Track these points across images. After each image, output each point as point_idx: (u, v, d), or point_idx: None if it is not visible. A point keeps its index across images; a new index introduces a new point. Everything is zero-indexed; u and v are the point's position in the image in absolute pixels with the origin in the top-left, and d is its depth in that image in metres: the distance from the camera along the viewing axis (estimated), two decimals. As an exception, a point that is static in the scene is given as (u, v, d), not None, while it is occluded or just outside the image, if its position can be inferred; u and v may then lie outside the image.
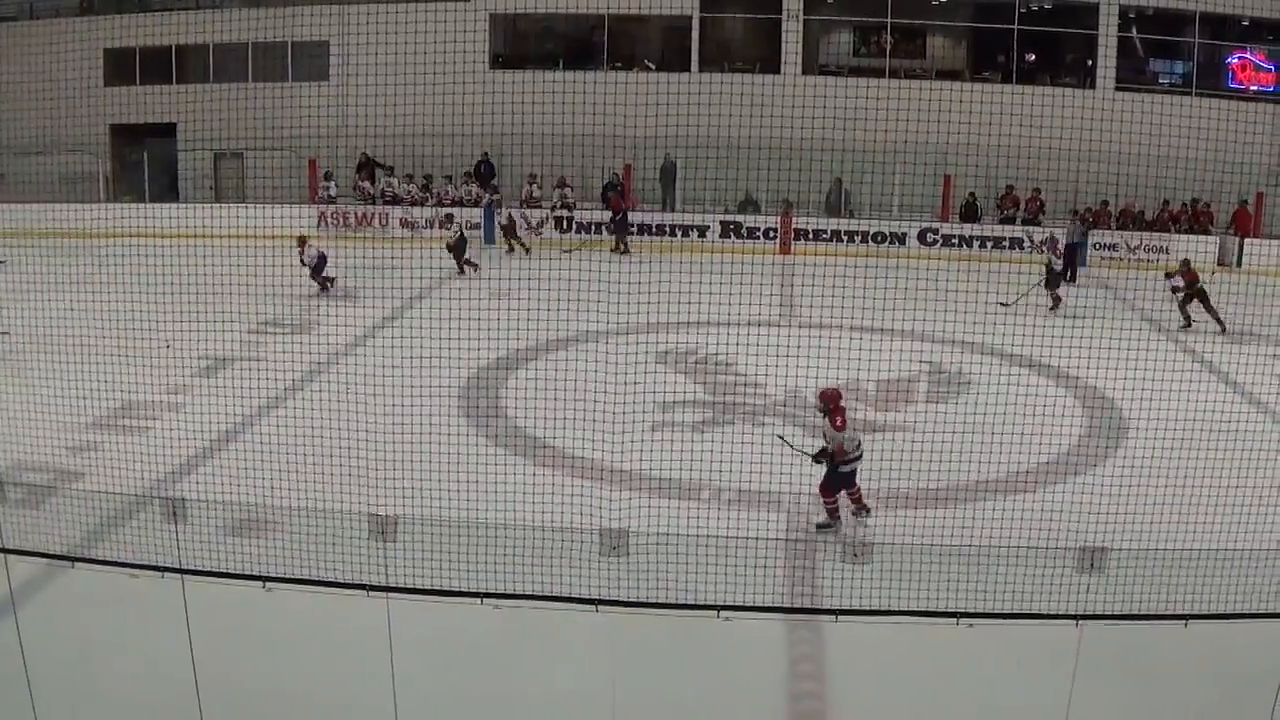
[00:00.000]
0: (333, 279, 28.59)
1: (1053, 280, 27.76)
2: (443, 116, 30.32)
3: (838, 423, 14.66)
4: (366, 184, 37.98)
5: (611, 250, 33.95)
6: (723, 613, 12.18)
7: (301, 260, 28.22)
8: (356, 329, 24.69)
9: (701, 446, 16.48)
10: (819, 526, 14.83)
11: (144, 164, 37.78)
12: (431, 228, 34.37)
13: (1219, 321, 25.84)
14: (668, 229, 35.22)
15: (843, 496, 14.87)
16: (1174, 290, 26.63)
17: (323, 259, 28.42)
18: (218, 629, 11.40)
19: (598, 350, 19.76)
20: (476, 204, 36.24)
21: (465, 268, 30.63)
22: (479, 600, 12.20)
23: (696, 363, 22.27)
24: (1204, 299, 26.08)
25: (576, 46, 39.52)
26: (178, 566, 11.56)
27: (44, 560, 12.20)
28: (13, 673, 10.75)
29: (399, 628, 10.12)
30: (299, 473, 14.19)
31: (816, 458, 14.70)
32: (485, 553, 12.62)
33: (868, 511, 14.95)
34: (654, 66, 38.45)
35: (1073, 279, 30.99)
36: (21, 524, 12.43)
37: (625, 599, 12.30)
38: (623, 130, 30.40)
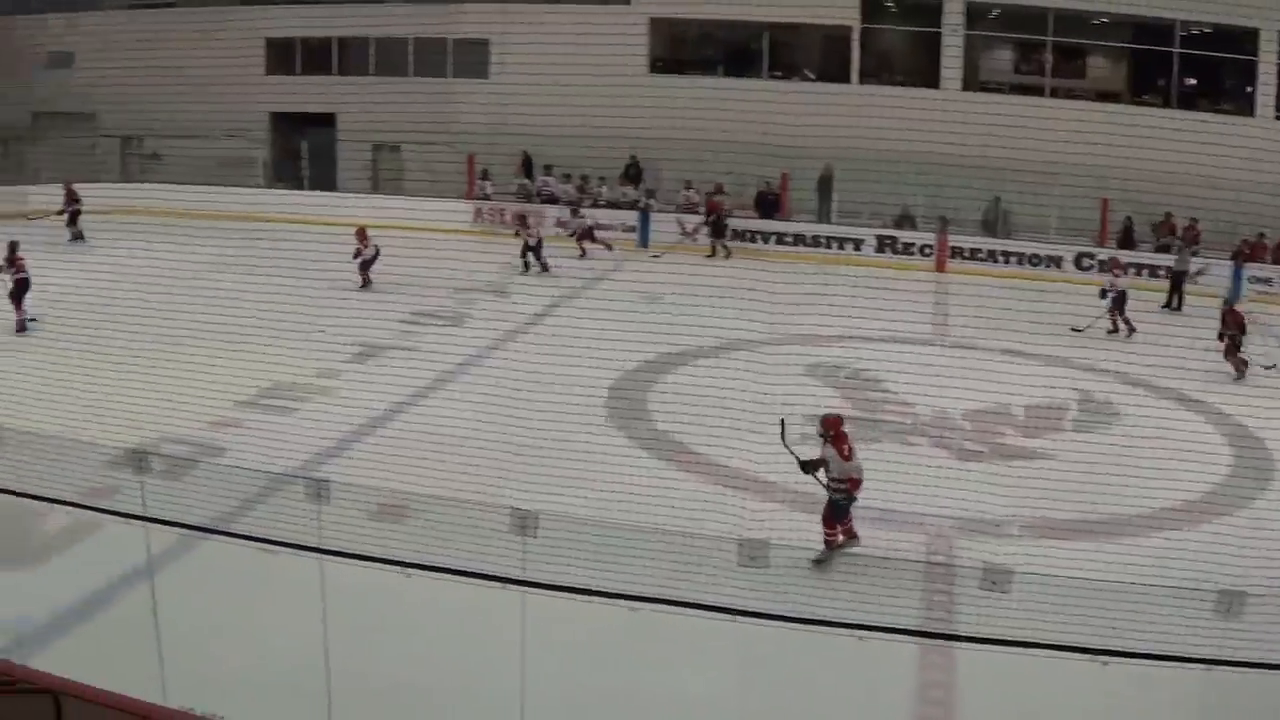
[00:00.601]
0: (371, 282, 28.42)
1: (1119, 304, 26.67)
2: (599, 118, 30.28)
3: (845, 451, 14.29)
4: (525, 181, 38.11)
5: (707, 256, 33.75)
6: (859, 632, 11.94)
7: (359, 253, 28.30)
8: (508, 324, 24.67)
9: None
10: (815, 562, 14.28)
11: (303, 152, 38.29)
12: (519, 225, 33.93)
13: None
14: (823, 240, 34.84)
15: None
16: None
17: (377, 255, 28.37)
18: (352, 612, 11.40)
19: (747, 359, 19.57)
20: (633, 206, 36.16)
21: (543, 267, 30.80)
22: (616, 601, 12.08)
23: (846, 377, 21.96)
24: None
25: (736, 53, 39.30)
26: (317, 546, 11.57)
27: (184, 530, 12.29)
28: (145, 640, 10.85)
29: (534, 623, 10.06)
30: (443, 462, 14.18)
31: (805, 466, 14.33)
32: (624, 554, 12.50)
33: (857, 540, 14.50)
34: (814, 76, 38.17)
35: (1179, 307, 29.98)
36: (165, 495, 12.53)
37: (761, 610, 12.12)
38: (780, 139, 30.22)
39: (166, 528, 11.98)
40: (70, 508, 12.74)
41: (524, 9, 37.25)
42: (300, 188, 36.44)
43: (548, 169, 37.72)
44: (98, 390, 17.77)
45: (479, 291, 28.09)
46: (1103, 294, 26.50)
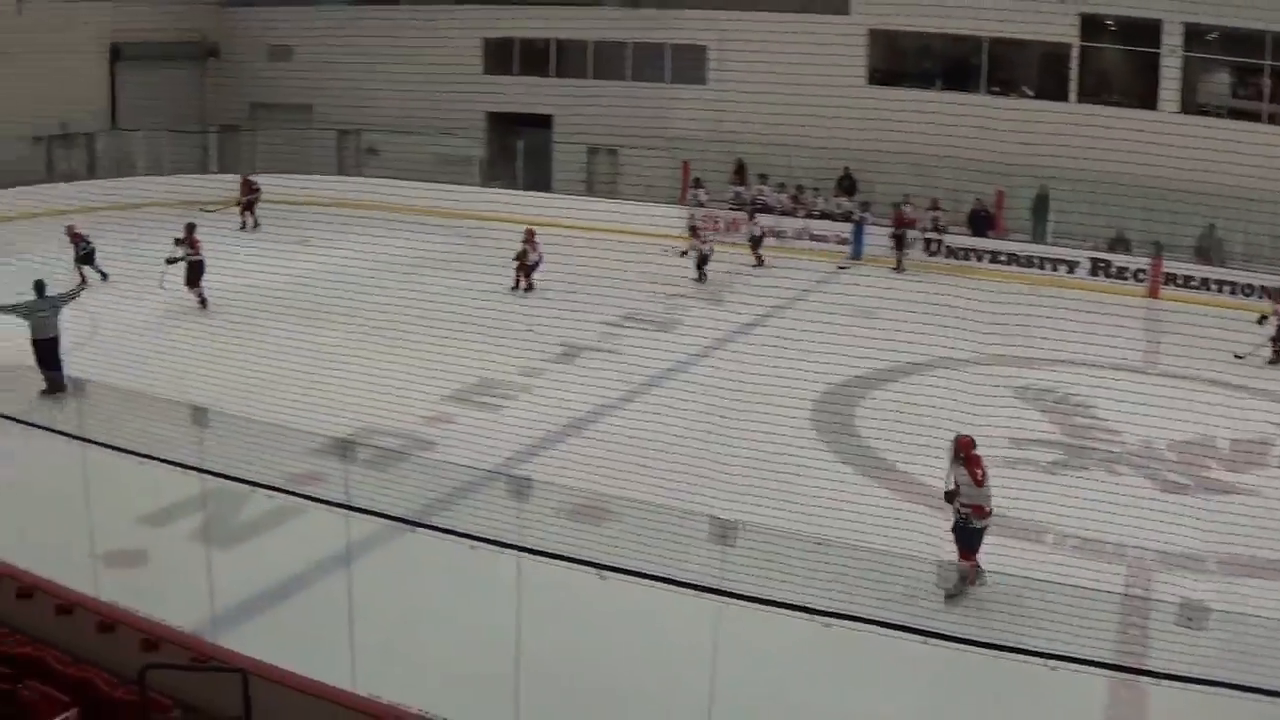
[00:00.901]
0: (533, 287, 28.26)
1: None
2: (814, 128, 29.98)
3: (977, 476, 13.80)
4: (739, 189, 37.96)
5: (893, 269, 33.18)
6: (1050, 661, 11.56)
7: (523, 255, 28.15)
8: (717, 332, 24.49)
9: (1051, 488, 15.73)
10: (948, 596, 13.76)
11: (518, 152, 38.62)
12: (700, 229, 33.49)
13: None
14: (1037, 261, 34.06)
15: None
16: None
17: (540, 261, 28.13)
18: (547, 610, 11.40)
19: (955, 378, 19.17)
20: (846, 218, 35.76)
21: (702, 278, 30.42)
22: (810, 616, 11.85)
23: (1055, 401, 21.38)
24: None
25: (954, 67, 38.62)
26: (517, 544, 11.54)
27: (386, 521, 12.38)
28: (337, 627, 10.93)
29: (727, 633, 9.97)
30: (644, 466, 14.09)
31: (948, 496, 13.91)
32: (821, 569, 12.26)
33: (983, 576, 13.95)
34: (1032, 93, 37.39)
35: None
36: (369, 484, 12.66)
37: (953, 634, 11.80)
38: (995, 155, 29.63)
39: (368, 517, 12.07)
40: (275, 493, 12.91)
41: (743, 16, 37.11)
42: (514, 187, 36.75)
43: (762, 177, 37.47)
44: (310, 379, 18.13)
45: (688, 298, 28.02)
46: (1261, 320, 25.48)
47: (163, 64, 43.79)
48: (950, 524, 13.95)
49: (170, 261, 25.31)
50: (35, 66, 39.32)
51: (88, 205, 35.27)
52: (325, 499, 12.37)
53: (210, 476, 12.78)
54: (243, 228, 35.69)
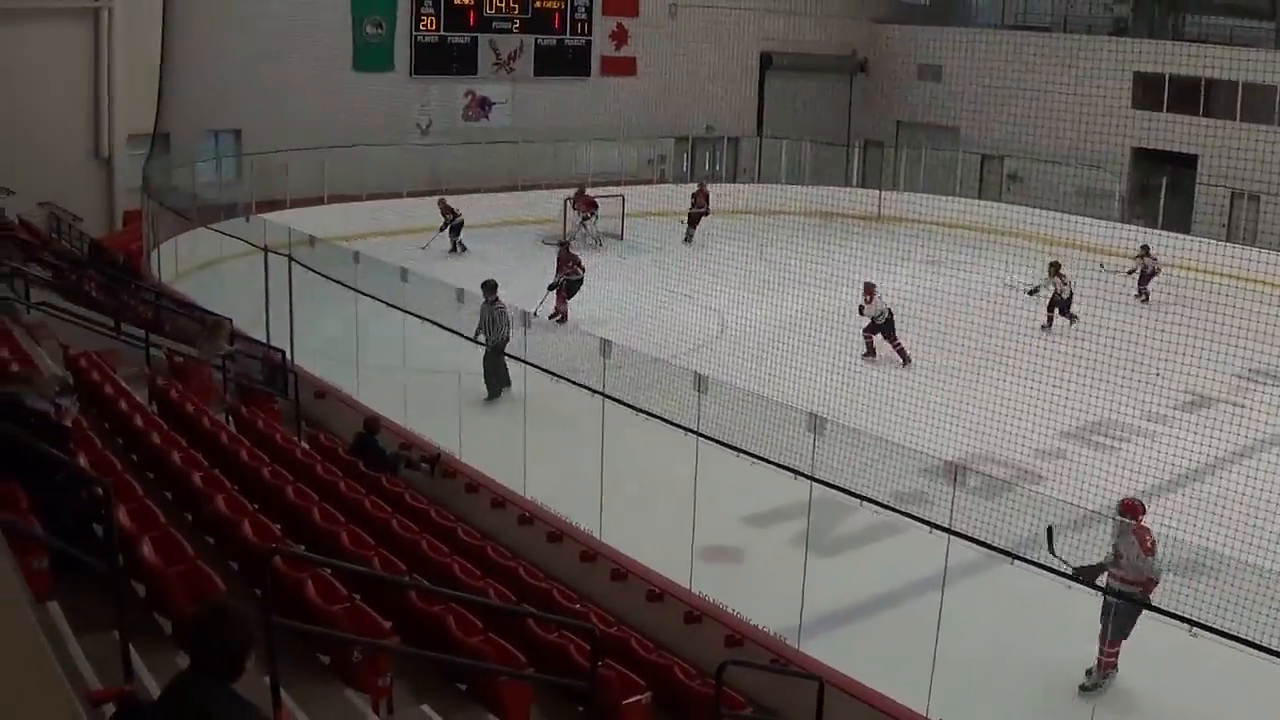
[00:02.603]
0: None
1: None
2: None
3: (1147, 543, 12.25)
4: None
5: None
6: None
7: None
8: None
9: None
10: (1083, 688, 12.43)
11: (1161, 191, 37.53)
12: None
13: None
14: None
15: None
16: None
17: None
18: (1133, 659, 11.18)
19: None
20: None
21: None
22: None
23: None
24: None
25: None
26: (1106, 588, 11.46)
27: (982, 549, 12.41)
28: (920, 648, 11.11)
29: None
30: (1259, 526, 13.57)
31: (1081, 573, 12.13)
32: None
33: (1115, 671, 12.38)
34: None
35: None
36: (973, 511, 12.75)
37: None
38: None
39: (966, 543, 12.16)
40: (880, 509, 13.18)
41: None
42: (1153, 226, 35.73)
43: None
44: (928, 398, 18.42)
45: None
46: None
47: (811, 75, 45.33)
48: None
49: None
50: (682, 70, 41.64)
51: (724, 208, 37.04)
52: (928, 520, 12.56)
53: (819, 485, 13.23)
54: (686, 240, 36.37)
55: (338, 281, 20.21)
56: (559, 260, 27.48)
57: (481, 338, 20.61)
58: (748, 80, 45.16)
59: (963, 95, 41.03)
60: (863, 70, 46.02)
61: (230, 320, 19.71)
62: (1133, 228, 34.97)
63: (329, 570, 9.69)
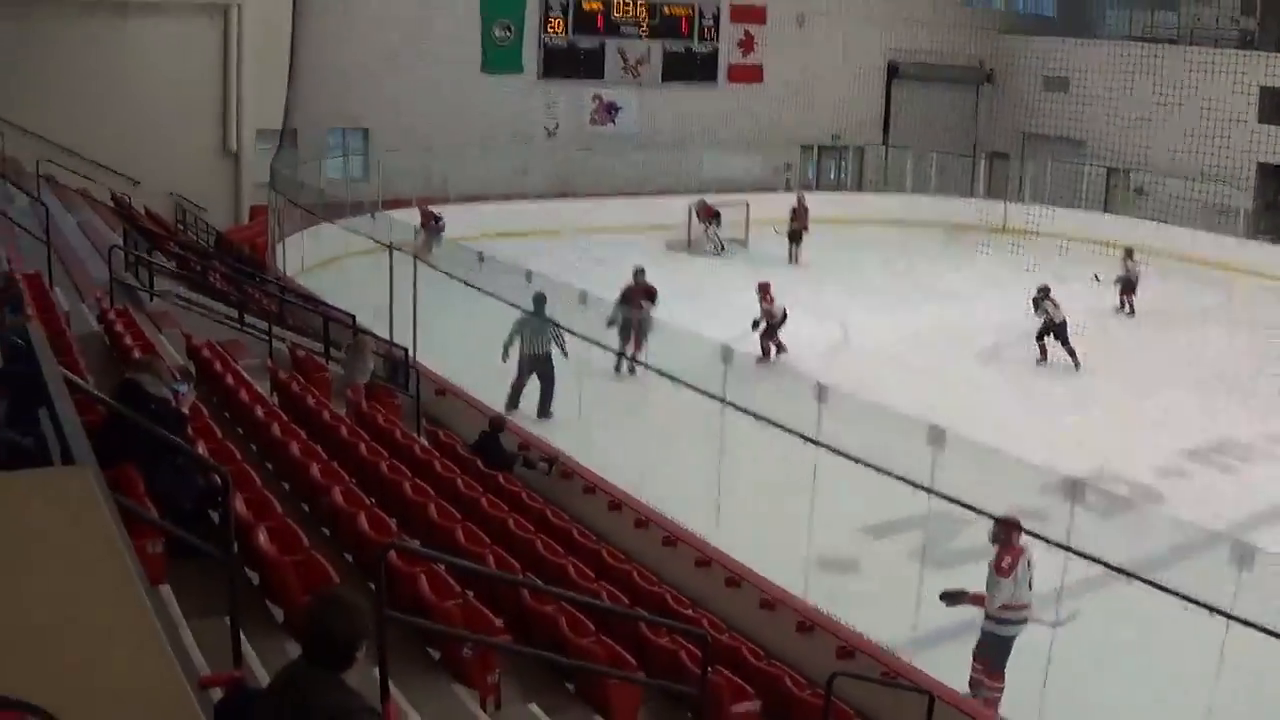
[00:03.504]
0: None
1: None
2: None
3: (1004, 565, 11.85)
4: None
5: None
6: None
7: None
8: None
9: None
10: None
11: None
12: None
13: None
14: None
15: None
16: None
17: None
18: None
19: None
20: None
21: None
22: None
23: None
24: None
25: None
26: (1225, 610, 11.39)
27: (1099, 567, 12.33)
28: (1032, 666, 11.12)
29: None
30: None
31: (946, 597, 12.09)
32: None
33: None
34: None
35: None
36: (1091, 528, 12.71)
37: None
38: None
39: (1085, 561, 12.13)
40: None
41: None
42: (1278, 243, 35.25)
43: None
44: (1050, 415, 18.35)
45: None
46: None
47: (938, 85, 45.12)
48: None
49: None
50: (809, 79, 41.64)
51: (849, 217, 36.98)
52: (1045, 536, 12.52)
53: (938, 498, 13.28)
54: (792, 260, 35.07)
55: (461, 280, 20.50)
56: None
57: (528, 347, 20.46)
58: (874, 90, 45.08)
59: (1089, 107, 40.66)
60: (989, 81, 45.71)
61: (372, 337, 19.81)
62: (1257, 243, 34.57)
63: (443, 566, 9.88)
